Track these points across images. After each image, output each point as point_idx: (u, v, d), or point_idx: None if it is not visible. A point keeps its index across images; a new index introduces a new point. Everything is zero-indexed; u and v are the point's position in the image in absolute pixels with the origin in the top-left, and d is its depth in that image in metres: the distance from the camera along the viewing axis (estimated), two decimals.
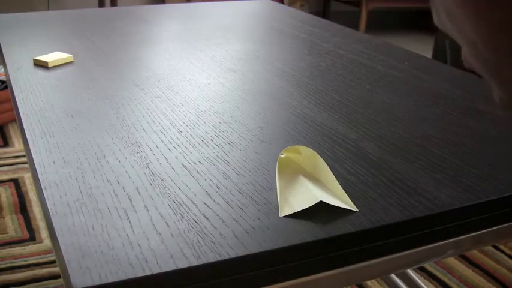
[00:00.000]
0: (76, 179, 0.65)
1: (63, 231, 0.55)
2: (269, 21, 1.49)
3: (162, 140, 0.76)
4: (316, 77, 1.05)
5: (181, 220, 0.58)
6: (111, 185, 0.64)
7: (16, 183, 1.98)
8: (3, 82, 2.46)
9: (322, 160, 0.67)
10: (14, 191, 1.92)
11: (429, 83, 1.05)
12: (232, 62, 1.12)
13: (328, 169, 0.65)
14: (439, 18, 0.44)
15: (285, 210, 0.60)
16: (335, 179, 0.65)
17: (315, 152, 0.68)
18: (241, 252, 0.54)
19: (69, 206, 0.60)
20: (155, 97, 0.91)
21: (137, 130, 0.79)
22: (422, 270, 1.65)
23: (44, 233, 1.72)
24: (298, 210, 0.60)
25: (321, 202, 0.62)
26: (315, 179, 0.66)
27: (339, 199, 0.62)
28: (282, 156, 0.71)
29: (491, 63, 0.42)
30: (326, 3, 4.42)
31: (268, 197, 0.63)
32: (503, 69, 0.42)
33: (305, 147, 0.69)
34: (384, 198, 0.64)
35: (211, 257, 0.53)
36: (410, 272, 1.47)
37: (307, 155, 0.69)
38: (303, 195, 0.62)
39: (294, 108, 0.89)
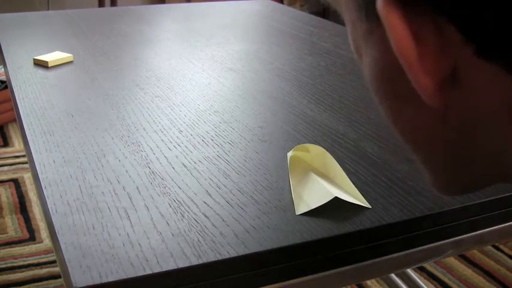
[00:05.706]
0: (76, 178, 0.65)
1: (64, 230, 0.56)
2: (269, 21, 1.49)
3: (162, 140, 0.76)
4: (316, 76, 1.05)
5: (182, 219, 0.58)
6: (111, 184, 0.64)
7: (16, 183, 1.98)
8: (3, 82, 2.46)
9: (332, 157, 0.67)
10: (14, 191, 1.92)
11: None
12: (232, 62, 1.12)
13: (338, 166, 0.66)
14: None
15: (301, 208, 0.60)
16: (345, 175, 0.65)
17: (324, 150, 0.68)
18: (241, 251, 0.54)
19: (70, 205, 0.60)
20: (155, 97, 0.91)
21: (137, 129, 0.79)
22: (422, 270, 1.65)
23: (44, 233, 1.72)
24: (314, 207, 0.60)
25: (332, 199, 0.62)
26: (325, 176, 0.66)
27: (352, 195, 0.62)
28: (291, 154, 0.70)
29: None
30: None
31: (268, 196, 0.63)
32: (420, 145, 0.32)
33: (314, 145, 0.69)
34: (384, 198, 0.64)
35: (211, 256, 0.53)
36: (410, 272, 1.47)
37: (316, 153, 0.69)
38: (316, 193, 0.61)
39: (294, 107, 0.89)
